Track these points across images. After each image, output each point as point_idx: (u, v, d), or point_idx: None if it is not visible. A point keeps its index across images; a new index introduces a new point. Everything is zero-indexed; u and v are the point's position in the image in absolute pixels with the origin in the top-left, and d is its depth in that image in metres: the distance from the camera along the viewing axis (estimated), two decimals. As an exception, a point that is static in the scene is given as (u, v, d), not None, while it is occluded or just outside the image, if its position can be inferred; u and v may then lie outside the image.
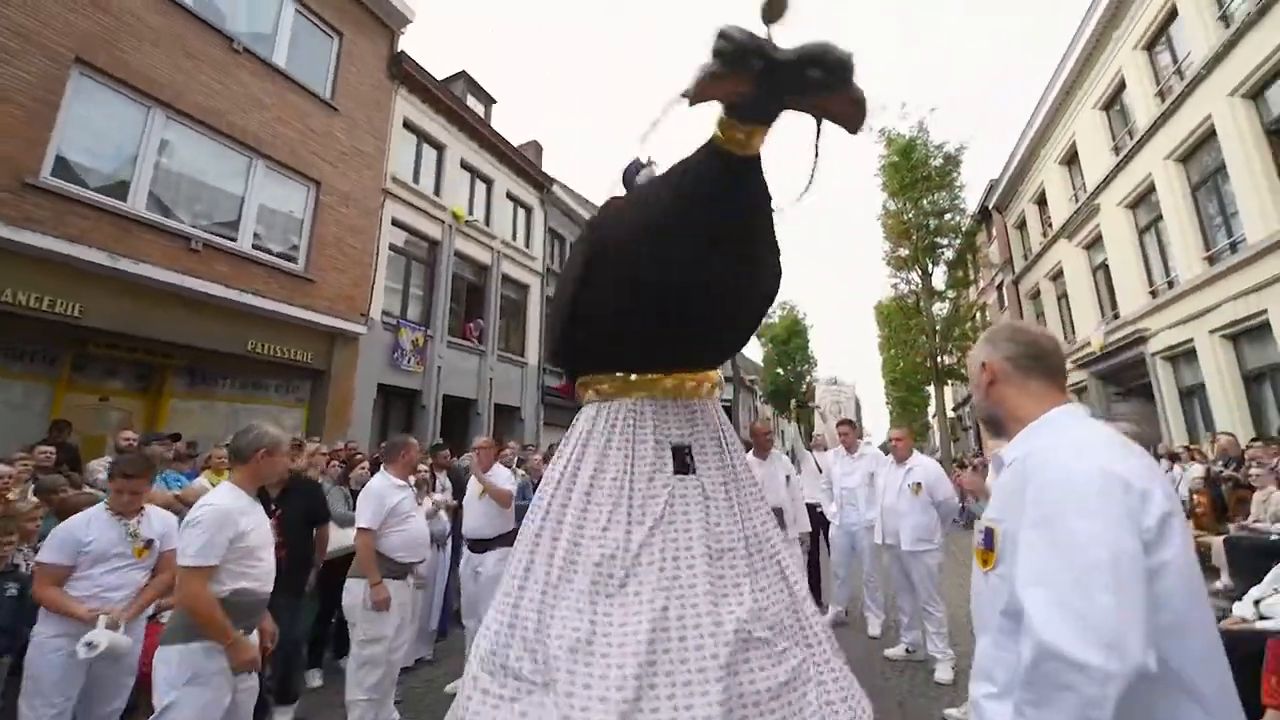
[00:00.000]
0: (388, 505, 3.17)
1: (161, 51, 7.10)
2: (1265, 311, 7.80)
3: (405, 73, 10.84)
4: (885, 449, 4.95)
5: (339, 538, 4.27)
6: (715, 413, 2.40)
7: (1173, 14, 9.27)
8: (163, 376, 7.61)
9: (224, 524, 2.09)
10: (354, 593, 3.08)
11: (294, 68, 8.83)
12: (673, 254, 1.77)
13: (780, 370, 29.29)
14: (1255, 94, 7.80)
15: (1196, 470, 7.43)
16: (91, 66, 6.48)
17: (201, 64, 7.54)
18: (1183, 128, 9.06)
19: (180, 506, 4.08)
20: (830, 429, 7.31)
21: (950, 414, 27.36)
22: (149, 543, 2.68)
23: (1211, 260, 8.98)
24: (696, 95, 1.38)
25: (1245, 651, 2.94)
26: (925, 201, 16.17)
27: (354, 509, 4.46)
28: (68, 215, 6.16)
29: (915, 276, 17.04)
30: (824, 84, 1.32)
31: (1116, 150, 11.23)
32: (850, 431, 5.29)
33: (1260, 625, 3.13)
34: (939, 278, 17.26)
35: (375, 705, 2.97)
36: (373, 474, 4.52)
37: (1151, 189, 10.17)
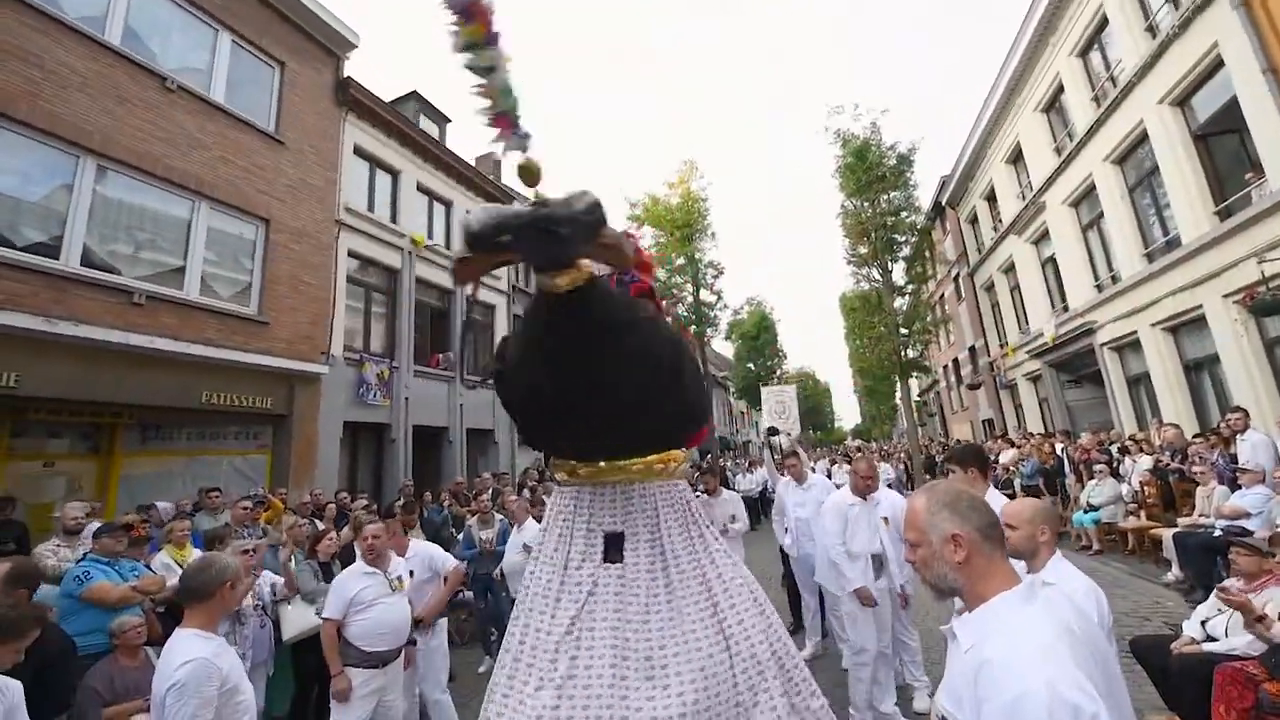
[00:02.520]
0: (347, 596, 3.15)
1: (89, 97, 6.72)
2: (1201, 306, 8.24)
3: (353, 98, 10.52)
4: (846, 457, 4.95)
5: (306, 616, 4.16)
6: (657, 497, 2.34)
7: (1104, 23, 9.67)
8: (112, 435, 7.26)
9: (209, 677, 2.01)
10: (335, 682, 3.09)
11: (234, 102, 8.47)
12: (532, 377, 1.88)
13: (751, 365, 29.65)
14: (1182, 101, 8.20)
15: (1146, 462, 7.83)
16: (9, 119, 6.09)
17: (134, 107, 7.16)
18: (1118, 132, 9.48)
19: (138, 598, 3.92)
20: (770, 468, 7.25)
21: (916, 399, 28.24)
22: None
23: (1150, 258, 9.43)
24: (457, 279, 1.58)
25: (1201, 675, 3.11)
26: (882, 200, 16.53)
27: (324, 581, 4.35)
28: (-5, 280, 5.81)
29: (875, 273, 17.43)
30: (576, 238, 1.43)
31: (1058, 151, 11.68)
32: (798, 463, 5.31)
33: (1208, 648, 3.30)
34: (898, 273, 17.70)
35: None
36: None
37: (1092, 189, 10.63)
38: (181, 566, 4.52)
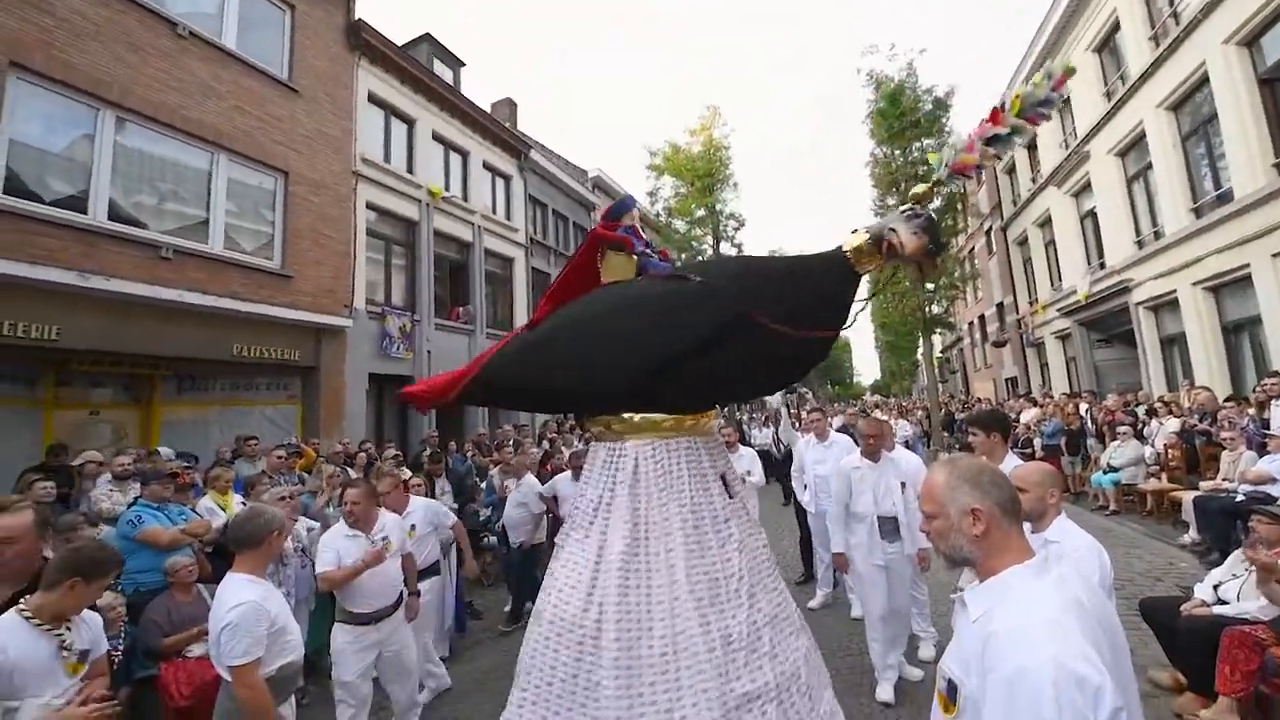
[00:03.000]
0: (336, 549, 3.17)
1: (102, 45, 6.63)
2: (1248, 265, 7.86)
3: (365, 42, 10.21)
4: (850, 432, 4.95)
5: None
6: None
7: (1171, -50, 8.83)
8: (151, 385, 7.56)
9: (259, 618, 2.18)
10: (333, 637, 3.20)
11: (246, 48, 8.29)
12: (811, 332, 2.28)
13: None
14: (1250, 41, 7.54)
15: (1173, 425, 7.70)
16: (28, 70, 6.06)
17: (147, 55, 7.06)
18: (1176, 74, 8.80)
19: (187, 540, 4.18)
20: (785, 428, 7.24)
21: (938, 355, 27.83)
22: (83, 655, 2.08)
23: (1198, 213, 8.95)
24: (887, 261, 2.26)
25: (1209, 636, 3.17)
26: (914, 148, 15.75)
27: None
28: (29, 235, 5.93)
29: (904, 227, 16.83)
30: (933, 253, 2.18)
31: (1108, 96, 10.93)
32: (821, 419, 5.35)
33: (1217, 610, 3.35)
34: (927, 227, 17.05)
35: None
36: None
37: (1141, 137, 9.99)
38: (224, 511, 4.80)
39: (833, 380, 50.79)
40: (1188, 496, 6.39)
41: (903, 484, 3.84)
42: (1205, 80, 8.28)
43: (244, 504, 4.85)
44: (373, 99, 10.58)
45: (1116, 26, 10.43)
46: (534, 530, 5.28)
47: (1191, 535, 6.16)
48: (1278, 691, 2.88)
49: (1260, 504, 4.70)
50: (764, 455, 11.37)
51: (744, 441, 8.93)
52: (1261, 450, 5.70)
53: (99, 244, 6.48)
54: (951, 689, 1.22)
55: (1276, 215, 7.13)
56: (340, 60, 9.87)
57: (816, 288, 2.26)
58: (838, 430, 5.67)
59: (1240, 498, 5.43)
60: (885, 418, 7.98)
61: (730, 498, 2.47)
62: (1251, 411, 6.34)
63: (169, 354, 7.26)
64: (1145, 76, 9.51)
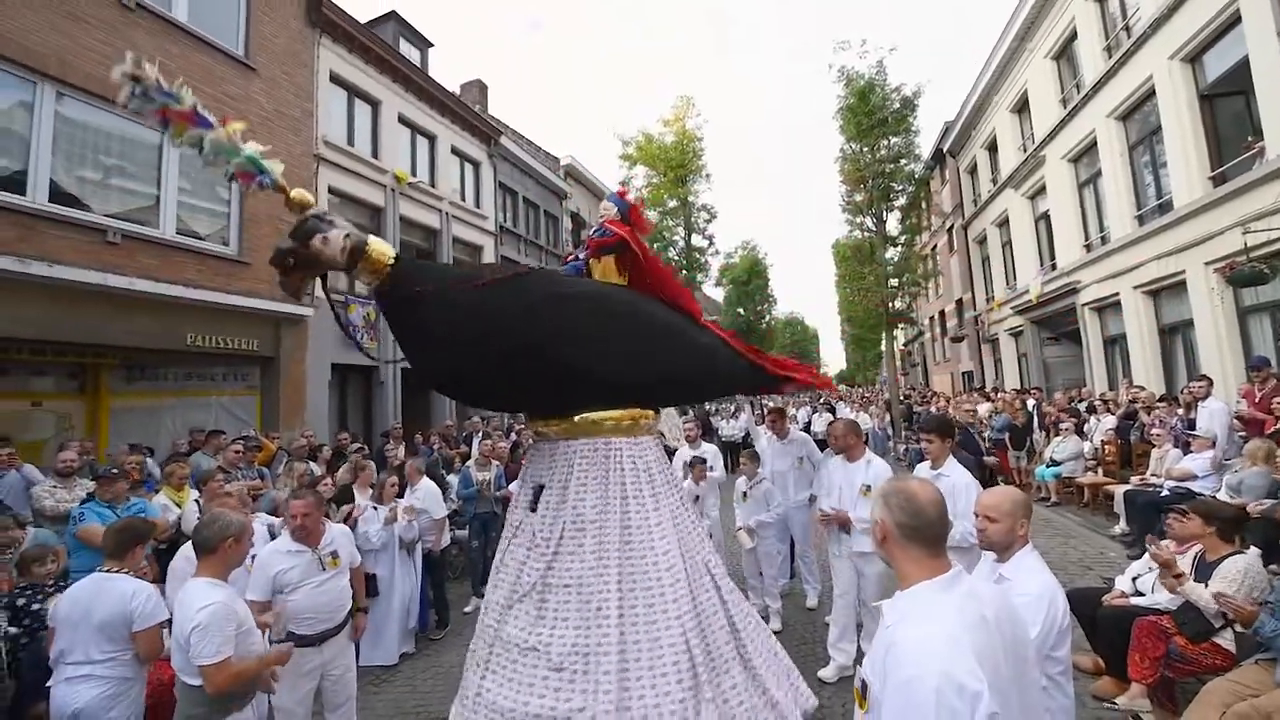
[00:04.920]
0: (270, 574, 2.86)
1: (38, 14, 6.23)
2: (1183, 272, 8.33)
3: (327, 19, 9.84)
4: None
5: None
6: (575, 455, 2.76)
7: (1126, -35, 9.16)
8: (97, 376, 7.26)
9: (228, 617, 2.23)
10: None
11: (198, 22, 7.89)
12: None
13: (740, 310, 29.59)
14: (1194, 58, 7.93)
15: (1110, 422, 8.17)
16: (-44, 39, 5.67)
17: (89, 26, 6.66)
18: (1126, 86, 9.19)
19: (139, 541, 4.09)
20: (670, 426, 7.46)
21: (901, 348, 28.65)
22: None
23: (1141, 220, 9.42)
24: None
25: (1124, 625, 3.43)
26: (881, 146, 16.03)
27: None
28: (-41, 218, 5.59)
29: (870, 222, 17.18)
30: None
31: (1064, 103, 11.34)
32: (780, 419, 5.52)
33: (1134, 601, 3.63)
34: (892, 223, 17.44)
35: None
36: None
37: (1093, 145, 10.42)
38: (179, 507, 4.69)
39: (801, 370, 51.61)
40: (1119, 490, 6.80)
41: (868, 487, 3.79)
42: (1152, 93, 8.68)
43: (198, 501, 4.75)
44: (335, 79, 10.23)
45: (1074, 36, 10.80)
46: (440, 535, 5.32)
47: (1121, 526, 6.57)
48: (1181, 676, 3.16)
49: (1181, 499, 5.09)
50: (736, 446, 11.66)
51: (709, 431, 9.11)
52: (1186, 449, 6.11)
53: (37, 227, 6.15)
54: (864, 687, 1.35)
55: (1211, 226, 7.57)
56: (300, 37, 9.49)
57: None
58: (802, 428, 5.81)
59: (1165, 493, 5.81)
60: (852, 415, 8.19)
61: (533, 510, 2.77)
62: (1180, 412, 6.77)
63: (118, 343, 6.98)
64: (1098, 86, 9.90)
